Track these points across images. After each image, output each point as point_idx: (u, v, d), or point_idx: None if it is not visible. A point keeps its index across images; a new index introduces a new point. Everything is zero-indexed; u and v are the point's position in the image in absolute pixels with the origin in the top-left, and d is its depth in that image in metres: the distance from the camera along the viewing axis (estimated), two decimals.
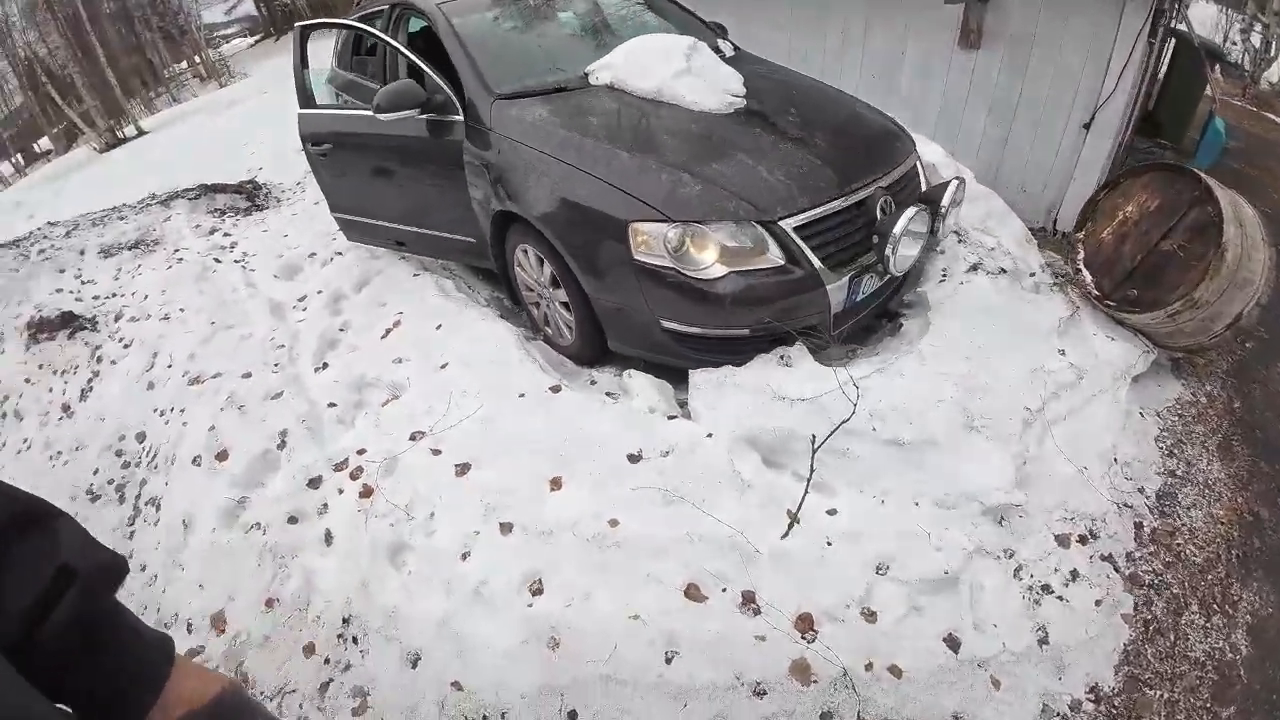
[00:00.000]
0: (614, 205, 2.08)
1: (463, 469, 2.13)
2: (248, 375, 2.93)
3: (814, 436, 1.94)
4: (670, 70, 2.49)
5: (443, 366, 2.57)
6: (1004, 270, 2.60)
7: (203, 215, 4.76)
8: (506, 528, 1.94)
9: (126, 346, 3.54)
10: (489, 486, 2.05)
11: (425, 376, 2.57)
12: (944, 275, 2.55)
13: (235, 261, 4.07)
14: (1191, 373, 2.73)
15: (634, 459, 2.02)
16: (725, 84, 2.51)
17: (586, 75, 2.65)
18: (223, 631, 2.07)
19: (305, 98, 3.25)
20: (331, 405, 2.64)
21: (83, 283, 4.20)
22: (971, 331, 2.33)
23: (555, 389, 2.29)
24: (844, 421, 1.94)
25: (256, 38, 18.25)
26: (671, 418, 2.18)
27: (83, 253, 4.31)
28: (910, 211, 2.15)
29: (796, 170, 2.15)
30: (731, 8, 4.89)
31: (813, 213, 2.09)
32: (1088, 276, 2.63)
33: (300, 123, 3.26)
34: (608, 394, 2.39)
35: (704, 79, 2.50)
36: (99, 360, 3.55)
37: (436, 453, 2.22)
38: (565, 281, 2.36)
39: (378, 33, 2.86)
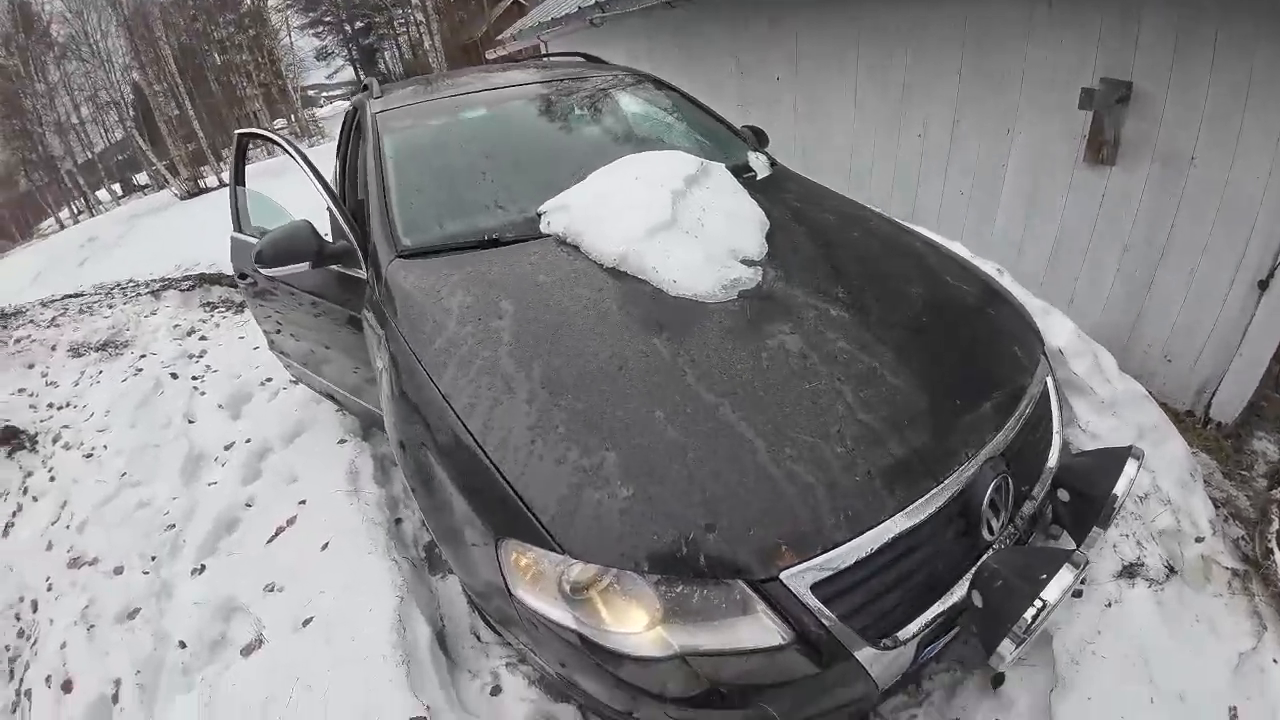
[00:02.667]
0: (482, 499, 1.24)
1: None
2: (119, 571, 2.38)
3: None
4: (645, 223, 1.66)
5: (305, 624, 1.87)
6: (1171, 570, 1.62)
7: (191, 310, 4.43)
8: None
9: (52, 480, 3.12)
10: None
11: (284, 632, 1.89)
12: (1079, 588, 1.57)
13: (192, 378, 3.63)
14: None
15: None
16: (733, 242, 1.66)
17: (539, 217, 1.87)
18: None
19: (238, 220, 2.71)
20: (182, 646, 2.01)
21: (47, 383, 3.90)
22: (1128, 704, 1.36)
23: None
24: None
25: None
26: None
27: (54, 349, 4.02)
28: (1064, 579, 1.12)
29: (833, 450, 1.19)
30: (795, 90, 4.22)
31: (851, 550, 1.12)
32: None
33: (231, 250, 2.72)
34: None
35: (698, 236, 1.66)
36: (25, 492, 3.14)
37: None
38: None
39: (292, 152, 2.24)
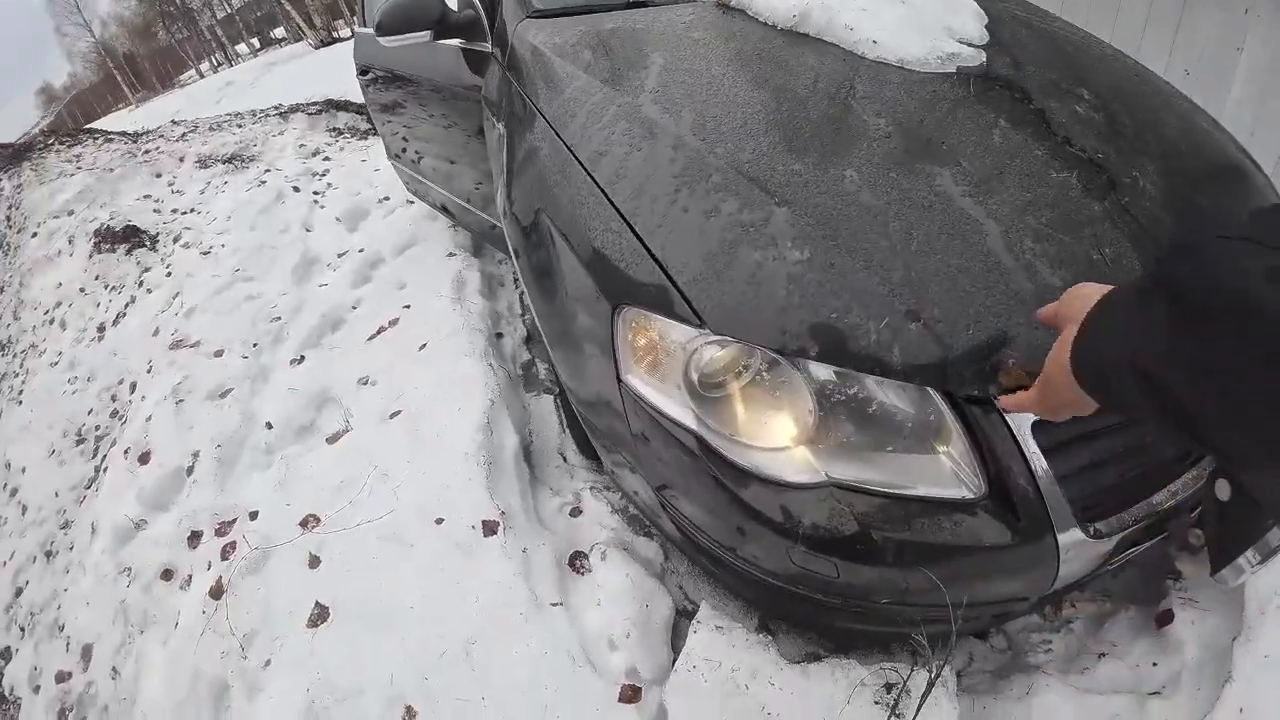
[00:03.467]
0: (605, 264, 1.00)
1: (319, 617, 1.38)
2: (219, 354, 2.44)
3: None
4: None
5: (393, 416, 1.82)
6: None
7: (317, 133, 4.47)
8: None
9: (168, 274, 3.27)
10: (329, 668, 1.28)
11: (371, 423, 1.86)
12: None
13: (314, 193, 3.67)
14: None
15: None
16: (949, 20, 1.30)
17: None
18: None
19: (363, 14, 2.56)
20: (268, 426, 2.03)
21: (173, 191, 4.07)
22: None
23: (490, 528, 1.41)
24: None
25: None
26: (627, 691, 1.13)
27: (182, 160, 4.17)
28: None
29: (1086, 252, 0.90)
30: None
31: None
32: None
33: (355, 45, 2.60)
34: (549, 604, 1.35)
35: (904, 2, 1.31)
36: (140, 285, 3.33)
37: (314, 564, 1.49)
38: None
39: None
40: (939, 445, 0.84)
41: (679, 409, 0.91)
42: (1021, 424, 0.81)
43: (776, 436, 0.86)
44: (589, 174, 1.07)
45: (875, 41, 1.19)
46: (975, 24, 1.33)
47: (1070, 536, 0.84)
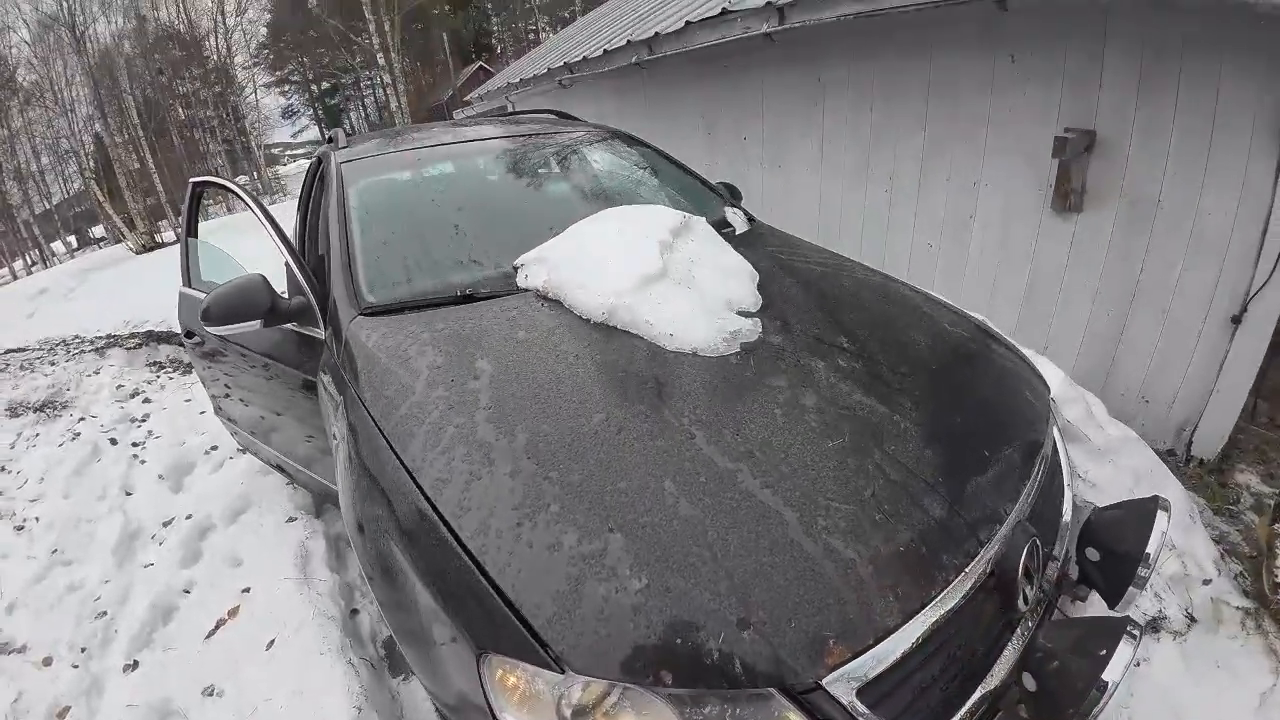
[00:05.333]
0: (457, 599, 1.02)
1: None
2: (48, 662, 2.10)
3: None
4: (633, 276, 1.54)
5: None
6: (1191, 619, 1.53)
7: (136, 369, 4.16)
8: None
9: None
10: None
11: None
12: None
13: (133, 444, 3.36)
14: None
15: None
16: (727, 293, 1.56)
17: (515, 271, 1.75)
18: None
19: (188, 274, 2.54)
20: None
21: None
22: None
23: None
24: None
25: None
26: None
27: None
28: (1125, 654, 1.02)
29: (870, 517, 1.05)
30: (761, 146, 4.28)
31: (902, 637, 0.96)
32: None
33: (179, 306, 2.54)
34: None
35: (690, 287, 1.55)
36: None
37: None
38: None
39: (248, 201, 2.13)
40: None
41: None
42: (847, 695, 0.90)
43: None
44: (434, 506, 1.11)
45: (671, 335, 1.40)
46: (748, 288, 1.61)
47: None
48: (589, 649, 0.91)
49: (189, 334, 2.47)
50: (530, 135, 2.55)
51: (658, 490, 1.07)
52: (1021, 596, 1.10)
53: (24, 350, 4.72)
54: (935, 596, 0.99)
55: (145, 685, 1.91)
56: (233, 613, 2.05)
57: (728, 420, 1.21)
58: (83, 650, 2.12)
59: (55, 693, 1.96)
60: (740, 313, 1.53)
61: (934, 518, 1.07)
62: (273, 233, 1.97)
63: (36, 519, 2.87)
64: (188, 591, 2.26)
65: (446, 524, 1.07)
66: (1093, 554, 1.26)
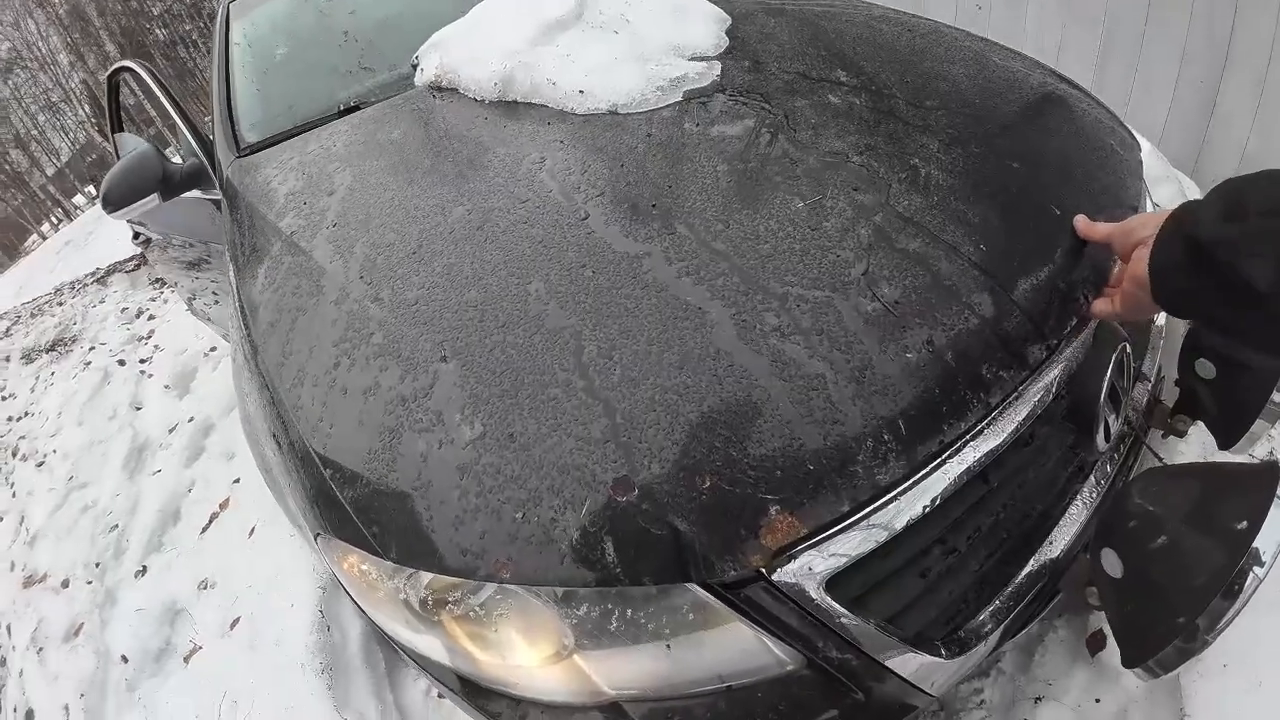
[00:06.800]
0: (291, 476, 0.77)
1: None
2: (65, 584, 2.15)
3: None
4: (533, 25, 1.15)
5: (233, 626, 1.59)
6: None
7: (139, 289, 4.09)
8: None
9: (13, 496, 2.91)
10: None
11: (215, 637, 1.64)
12: None
13: (140, 362, 3.32)
14: None
15: None
16: (676, 37, 1.12)
17: (414, 70, 1.36)
18: None
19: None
20: (124, 660, 1.77)
21: (4, 396, 3.66)
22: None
23: None
24: None
25: None
26: None
27: (8, 359, 3.76)
28: (1277, 522, 0.54)
29: (856, 306, 0.67)
30: None
31: (907, 502, 0.61)
32: None
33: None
34: None
35: (618, 32, 1.13)
36: None
37: None
38: None
39: (149, 80, 1.80)
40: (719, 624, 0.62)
41: (419, 638, 0.71)
42: (813, 587, 0.60)
43: (531, 653, 0.65)
44: (257, 358, 0.87)
45: (581, 91, 1.02)
46: (712, 30, 1.17)
47: (923, 665, 0.65)
48: (403, 530, 0.64)
49: (135, 235, 2.27)
50: None
51: (519, 295, 0.75)
52: (1103, 430, 0.74)
53: (34, 300, 4.75)
54: (965, 434, 0.63)
55: (152, 587, 1.92)
56: (224, 504, 2.01)
57: (643, 190, 0.85)
58: (97, 566, 2.14)
59: (71, 614, 1.98)
60: (694, 57, 1.12)
61: (970, 307, 0.67)
62: (162, 96, 1.69)
63: (54, 451, 2.91)
64: (190, 490, 2.24)
65: (267, 378, 0.83)
66: (1206, 368, 0.76)
